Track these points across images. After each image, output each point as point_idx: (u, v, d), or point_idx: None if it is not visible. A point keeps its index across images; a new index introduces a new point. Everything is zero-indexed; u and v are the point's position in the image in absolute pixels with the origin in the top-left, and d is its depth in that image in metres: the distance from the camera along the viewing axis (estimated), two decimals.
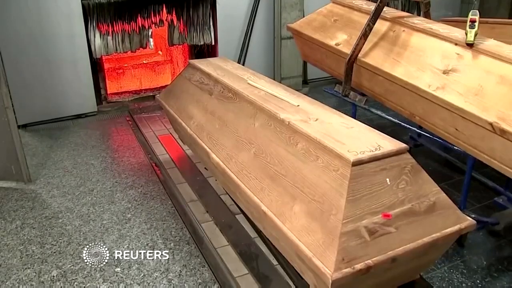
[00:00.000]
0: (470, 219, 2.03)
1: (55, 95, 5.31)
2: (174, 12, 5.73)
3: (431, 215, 1.94)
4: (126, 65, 6.55)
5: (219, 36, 5.99)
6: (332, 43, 3.72)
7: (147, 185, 3.91)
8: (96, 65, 5.61)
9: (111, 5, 5.34)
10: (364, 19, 3.50)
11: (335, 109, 2.48)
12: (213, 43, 6.01)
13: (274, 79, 2.87)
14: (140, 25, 5.59)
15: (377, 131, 2.24)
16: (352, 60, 3.42)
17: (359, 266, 1.73)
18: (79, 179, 4.07)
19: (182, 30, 5.84)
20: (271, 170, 2.17)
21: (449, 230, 1.93)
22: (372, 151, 1.95)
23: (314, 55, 4.10)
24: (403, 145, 2.03)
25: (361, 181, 1.86)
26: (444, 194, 2.02)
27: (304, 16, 5.67)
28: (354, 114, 3.98)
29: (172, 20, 5.78)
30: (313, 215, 1.88)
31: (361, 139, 2.07)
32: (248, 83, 2.94)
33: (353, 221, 1.79)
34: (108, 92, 5.96)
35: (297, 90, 2.66)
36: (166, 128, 4.93)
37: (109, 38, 5.47)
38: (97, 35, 5.38)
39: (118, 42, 5.51)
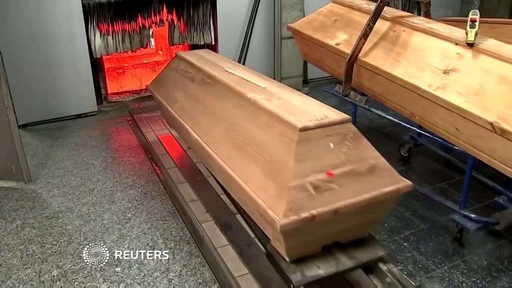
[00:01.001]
0: (407, 181, 2.25)
1: (55, 95, 5.31)
2: (174, 12, 5.73)
3: (371, 175, 2.20)
4: (126, 64, 6.56)
5: (219, 36, 5.99)
6: (332, 42, 3.72)
7: (148, 185, 3.91)
8: (96, 65, 5.60)
9: (112, 5, 5.34)
10: (364, 19, 3.50)
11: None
12: (213, 43, 6.00)
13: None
14: (141, 25, 5.59)
15: (327, 106, 2.52)
16: (353, 60, 3.43)
17: (304, 214, 1.99)
18: (79, 179, 4.07)
19: (182, 29, 5.84)
20: (238, 141, 2.50)
21: (387, 189, 2.18)
22: (318, 120, 2.25)
23: (314, 54, 4.10)
24: (347, 116, 2.34)
25: (308, 144, 2.16)
26: (383, 159, 2.27)
27: (304, 16, 5.66)
28: (354, 113, 3.98)
29: (172, 20, 5.78)
30: (269, 175, 2.18)
31: (312, 112, 2.37)
32: (226, 70, 3.24)
33: (300, 177, 2.06)
34: (109, 92, 5.95)
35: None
36: (166, 128, 4.92)
37: (109, 37, 5.46)
38: (97, 34, 5.38)
39: (119, 42, 5.51)
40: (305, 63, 6.33)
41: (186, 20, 5.82)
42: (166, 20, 5.76)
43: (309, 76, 6.62)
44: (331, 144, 2.20)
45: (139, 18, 5.56)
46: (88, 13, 5.24)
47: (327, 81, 6.30)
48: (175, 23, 5.80)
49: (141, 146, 4.68)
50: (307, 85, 6.58)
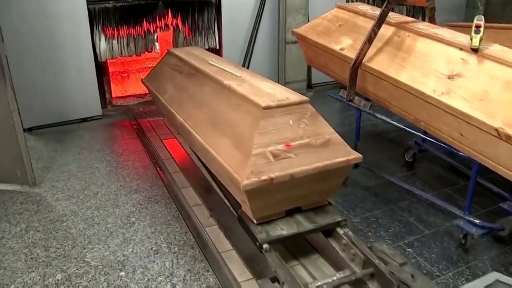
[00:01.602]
0: (358, 153, 2.59)
1: (60, 99, 5.34)
2: (179, 17, 5.76)
3: (325, 148, 2.55)
4: (131, 68, 6.59)
5: (223, 40, 6.01)
6: (336, 47, 3.72)
7: (152, 189, 3.92)
8: (101, 69, 5.63)
9: (117, 10, 5.37)
10: (369, 24, 3.50)
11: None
12: (217, 47, 6.03)
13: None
14: (146, 29, 5.61)
15: (291, 90, 2.88)
16: (357, 65, 3.43)
17: (263, 177, 2.33)
18: (84, 182, 4.08)
19: (187, 34, 5.87)
20: (215, 120, 2.88)
21: (338, 159, 2.52)
22: (280, 101, 2.62)
23: (319, 59, 4.10)
24: (305, 98, 2.72)
25: (270, 120, 2.52)
26: (337, 135, 2.63)
27: (308, 21, 5.69)
28: (358, 118, 3.97)
29: (177, 24, 5.81)
30: (236, 145, 2.54)
31: (275, 95, 2.73)
32: (209, 63, 3.61)
33: (261, 147, 2.42)
34: (113, 96, 5.98)
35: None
36: (170, 132, 4.93)
37: (114, 41, 5.49)
38: (103, 38, 5.41)
39: (123, 46, 5.54)
40: (309, 68, 6.34)
41: (191, 25, 5.84)
42: (171, 24, 5.78)
43: (313, 81, 6.63)
44: (290, 121, 2.56)
45: (144, 22, 5.58)
46: (94, 17, 5.28)
47: (331, 86, 6.32)
48: (180, 27, 5.82)
49: (146, 150, 4.69)
50: (311, 89, 6.59)
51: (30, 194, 3.91)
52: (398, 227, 3.42)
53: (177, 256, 3.06)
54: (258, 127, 2.47)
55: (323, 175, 2.50)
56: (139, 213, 3.58)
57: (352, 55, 3.47)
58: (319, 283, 2.30)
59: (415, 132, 3.57)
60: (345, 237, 2.53)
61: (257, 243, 2.45)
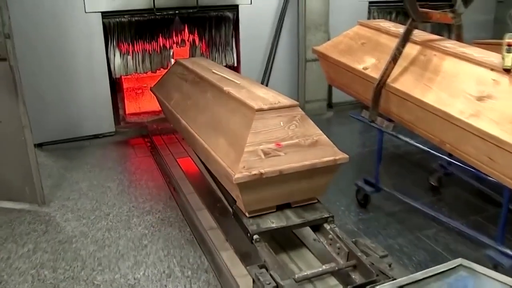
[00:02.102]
0: (344, 154, 2.87)
1: (73, 114, 5.41)
2: (196, 32, 5.83)
3: (313, 148, 2.85)
4: (145, 85, 6.62)
5: (242, 57, 6.07)
6: (359, 67, 3.71)
7: (165, 211, 3.93)
8: (115, 85, 5.70)
9: (132, 25, 5.45)
10: (392, 42, 3.49)
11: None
12: (235, 64, 6.08)
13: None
14: (161, 45, 5.70)
15: (284, 95, 3.18)
16: (381, 85, 3.41)
17: (254, 172, 2.62)
18: (94, 202, 4.10)
19: (204, 50, 5.93)
20: (215, 123, 3.23)
21: (325, 159, 2.81)
22: (272, 104, 2.95)
23: (340, 79, 4.09)
24: (295, 102, 3.04)
25: (262, 122, 2.84)
26: (325, 136, 2.93)
27: (329, 38, 5.70)
28: (380, 140, 3.93)
29: (194, 40, 5.88)
30: (232, 144, 2.88)
31: (268, 99, 3.06)
32: (213, 72, 3.93)
33: (253, 145, 2.72)
34: (127, 113, 6.05)
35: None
36: (185, 150, 4.95)
37: (129, 57, 5.57)
38: (117, 54, 5.48)
39: (139, 62, 5.61)
40: (329, 87, 6.33)
41: (208, 41, 5.91)
42: (188, 40, 5.86)
43: (334, 100, 6.62)
44: (281, 123, 2.88)
45: (160, 38, 5.66)
46: (109, 32, 5.36)
47: (352, 106, 6.26)
48: (197, 43, 5.89)
49: (159, 169, 4.71)
50: (331, 109, 6.58)
51: (38, 214, 3.93)
52: (423, 255, 3.36)
53: (190, 280, 3.05)
54: (251, 128, 2.80)
55: (311, 173, 2.79)
56: (152, 235, 3.58)
57: (376, 74, 3.46)
58: (304, 273, 2.54)
59: (440, 155, 3.53)
60: (331, 232, 2.78)
61: (248, 234, 2.71)
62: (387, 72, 3.36)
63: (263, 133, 2.80)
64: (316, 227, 2.90)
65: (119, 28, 5.40)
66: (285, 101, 3.05)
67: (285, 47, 6.22)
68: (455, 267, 1.91)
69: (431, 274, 1.86)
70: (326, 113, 6.41)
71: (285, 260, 2.90)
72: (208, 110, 3.46)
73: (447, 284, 1.86)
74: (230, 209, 3.12)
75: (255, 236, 2.69)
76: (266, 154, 2.72)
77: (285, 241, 3.07)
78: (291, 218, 2.84)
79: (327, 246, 2.80)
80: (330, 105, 6.62)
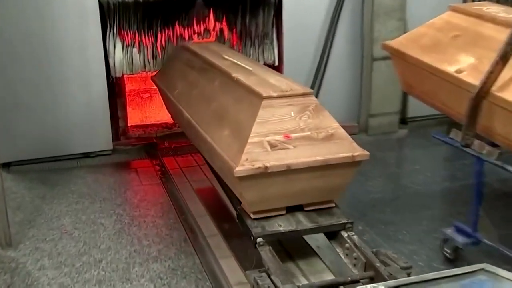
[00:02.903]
0: (364, 150, 3.16)
1: (56, 125, 5.43)
2: (224, 20, 5.85)
3: (328, 142, 3.15)
4: (155, 87, 6.62)
5: (285, 54, 6.04)
6: (450, 69, 3.62)
7: (178, 258, 3.90)
8: (115, 87, 5.72)
9: (139, 6, 5.46)
10: (500, 34, 3.39)
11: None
12: (276, 63, 6.05)
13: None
14: (178, 35, 5.72)
15: (298, 83, 3.59)
16: (482, 94, 3.30)
17: (258, 165, 2.91)
18: (82, 244, 4.09)
19: (235, 43, 5.93)
20: (220, 114, 3.64)
21: (341, 155, 3.08)
22: (282, 91, 3.30)
23: (422, 85, 4.03)
24: (310, 90, 3.43)
25: (270, 110, 3.18)
26: (342, 129, 3.23)
27: (406, 29, 5.63)
28: (479, 172, 3.81)
29: (221, 30, 5.88)
30: (235, 135, 3.25)
31: (279, 86, 3.43)
32: (223, 57, 4.34)
33: (259, 136, 3.05)
34: (129, 124, 6.07)
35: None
36: (207, 178, 4.95)
37: (135, 50, 5.57)
38: (119, 45, 5.50)
39: (147, 57, 5.60)
40: (404, 95, 6.23)
41: (240, 31, 5.91)
42: (213, 30, 5.86)
43: (410, 114, 6.53)
44: (292, 112, 3.21)
45: (177, 26, 5.69)
46: (107, 15, 5.38)
47: (436, 122, 6.13)
48: (225, 34, 5.89)
49: (172, 203, 4.68)
50: (405, 126, 6.50)
51: (1, 259, 3.90)
52: None
53: None
54: (257, 117, 3.13)
55: (325, 170, 3.09)
56: None
57: (475, 80, 3.35)
58: (311, 281, 2.88)
59: None
60: (348, 241, 3.05)
61: (252, 237, 3.00)
62: (492, 76, 3.25)
63: (270, 123, 3.14)
64: (332, 234, 3.21)
65: (121, 11, 5.41)
66: (298, 88, 3.43)
67: (343, 41, 6.16)
68: (475, 270, 2.10)
69: (444, 275, 2.07)
70: (397, 131, 6.36)
71: (293, 270, 3.13)
72: (215, 100, 3.87)
73: (460, 285, 2.08)
74: (235, 211, 3.43)
75: (258, 239, 2.96)
76: (272, 146, 3.04)
77: (295, 249, 3.33)
78: (302, 222, 3.13)
79: (343, 257, 3.09)
80: (404, 120, 6.55)
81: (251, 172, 2.91)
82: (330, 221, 3.15)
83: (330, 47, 6.09)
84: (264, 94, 3.23)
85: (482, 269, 2.09)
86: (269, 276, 2.73)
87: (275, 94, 3.25)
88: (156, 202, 4.72)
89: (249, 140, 3.02)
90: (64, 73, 5.33)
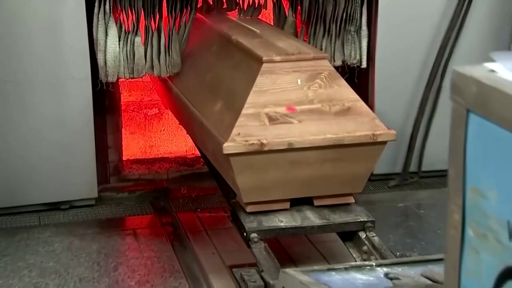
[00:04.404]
0: (388, 128, 3.57)
1: (11, 161, 5.39)
2: None
3: (343, 117, 3.60)
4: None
5: (378, 51, 5.98)
6: None
7: None
8: (105, 98, 5.70)
9: None
10: None
11: None
12: (363, 64, 5.93)
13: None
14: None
15: (312, 46, 4.39)
16: None
17: (252, 140, 3.38)
18: None
19: (299, 30, 5.93)
20: (214, 86, 4.23)
21: (359, 133, 3.51)
22: (288, 54, 3.80)
23: None
24: (322, 54, 4.06)
25: (270, 77, 3.69)
26: (363, 103, 3.67)
27: None
28: None
29: (279, 7, 5.95)
30: (228, 107, 3.79)
31: (286, 49, 3.95)
32: (228, 20, 5.16)
33: (255, 107, 3.55)
34: (125, 158, 6.09)
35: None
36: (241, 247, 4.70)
37: (138, 40, 5.41)
38: (113, 32, 5.37)
39: (156, 52, 5.40)
40: None
41: (307, 13, 5.83)
42: (263, 7, 5.93)
43: None
44: (298, 80, 3.69)
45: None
46: None
47: None
48: (286, 13, 5.95)
49: (189, 283, 4.60)
50: None
51: None
52: None
53: None
54: (255, 84, 3.61)
55: (338, 153, 3.53)
56: None
57: None
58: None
59: None
60: (366, 242, 3.47)
61: (244, 234, 3.45)
62: None
63: (271, 93, 3.63)
64: (347, 235, 3.71)
65: None
66: (308, 51, 3.98)
67: (475, 35, 6.03)
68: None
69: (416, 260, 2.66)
70: None
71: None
72: (210, 70, 4.53)
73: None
74: (228, 205, 4.07)
75: (252, 235, 3.43)
76: (272, 120, 3.51)
77: (299, 252, 4.01)
78: (309, 218, 3.60)
79: (358, 262, 3.45)
80: None
81: (243, 149, 3.34)
82: (345, 219, 3.60)
83: (455, 41, 5.98)
84: (264, 58, 3.69)
85: None
86: (259, 273, 3.15)
87: (277, 58, 3.72)
88: (164, 282, 4.62)
89: (243, 111, 3.47)
90: (21, 74, 5.26)
